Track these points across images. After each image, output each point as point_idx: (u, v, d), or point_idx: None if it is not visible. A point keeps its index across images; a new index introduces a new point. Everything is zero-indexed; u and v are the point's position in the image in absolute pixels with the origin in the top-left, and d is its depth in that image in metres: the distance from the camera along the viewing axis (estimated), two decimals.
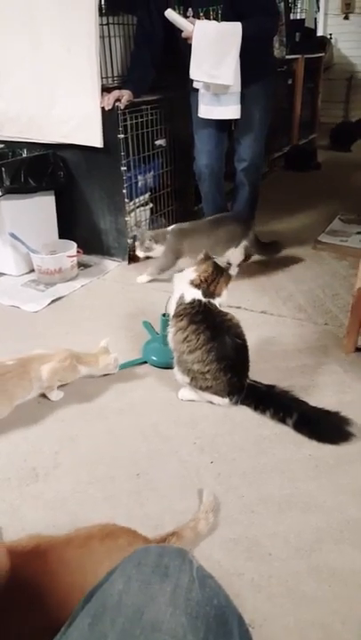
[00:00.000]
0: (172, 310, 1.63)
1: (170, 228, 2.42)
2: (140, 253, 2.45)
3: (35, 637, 0.63)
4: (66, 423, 1.59)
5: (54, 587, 0.80)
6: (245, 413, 1.60)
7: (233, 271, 2.39)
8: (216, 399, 1.60)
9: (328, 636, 1.00)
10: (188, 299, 1.57)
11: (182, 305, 1.58)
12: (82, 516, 1.26)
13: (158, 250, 2.39)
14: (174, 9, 2.17)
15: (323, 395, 1.66)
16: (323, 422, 1.51)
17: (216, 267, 1.63)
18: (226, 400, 1.59)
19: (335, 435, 1.47)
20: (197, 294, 1.57)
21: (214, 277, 1.60)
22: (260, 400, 1.58)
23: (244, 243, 2.41)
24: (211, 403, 1.62)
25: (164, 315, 1.75)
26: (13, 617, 0.74)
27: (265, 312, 2.19)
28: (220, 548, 1.17)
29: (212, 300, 1.58)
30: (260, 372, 1.67)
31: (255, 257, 2.62)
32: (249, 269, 2.62)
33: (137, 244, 2.46)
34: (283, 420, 1.52)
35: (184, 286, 1.60)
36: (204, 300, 1.57)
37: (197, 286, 1.58)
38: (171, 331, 1.60)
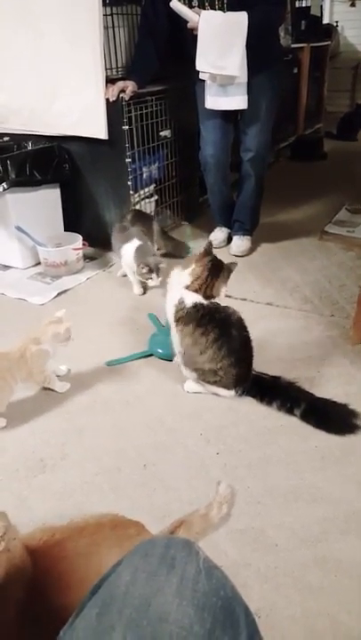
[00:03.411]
0: (170, 313, 1.57)
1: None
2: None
3: (60, 619, 0.65)
4: (72, 415, 1.60)
5: (73, 572, 0.83)
6: (250, 405, 1.60)
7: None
8: (222, 392, 1.61)
9: (334, 625, 1.00)
10: (189, 303, 1.52)
11: (184, 309, 1.52)
12: (89, 506, 1.27)
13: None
14: None
15: (329, 386, 1.65)
16: (330, 413, 1.51)
17: (212, 266, 1.53)
18: (232, 392, 1.60)
19: (342, 426, 1.47)
20: (198, 298, 1.52)
21: (209, 280, 1.52)
22: (267, 392, 1.58)
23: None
24: (216, 395, 1.63)
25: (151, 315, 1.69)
26: (39, 605, 0.77)
27: (271, 304, 2.18)
28: (227, 538, 1.18)
29: (213, 300, 1.55)
30: (265, 363, 1.67)
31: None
32: (254, 261, 2.61)
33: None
34: (290, 411, 1.53)
35: (181, 290, 1.54)
36: (206, 302, 1.52)
37: (195, 291, 1.53)
38: (176, 336, 1.57)
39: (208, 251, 1.56)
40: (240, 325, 1.56)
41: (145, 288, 2.33)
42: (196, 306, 1.52)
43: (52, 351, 1.61)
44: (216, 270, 1.54)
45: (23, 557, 0.80)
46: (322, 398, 1.55)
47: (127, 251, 2.24)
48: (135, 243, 2.22)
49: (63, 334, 1.59)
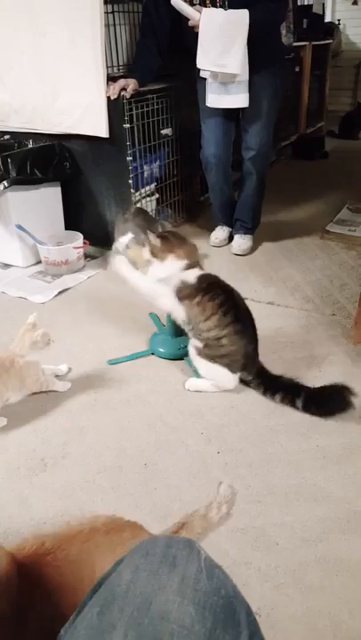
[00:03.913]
0: (163, 298, 1.58)
1: None
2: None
3: (49, 629, 0.64)
4: (73, 414, 1.59)
5: (64, 581, 0.81)
6: (252, 404, 1.60)
7: None
8: (227, 376, 1.60)
9: (335, 625, 1.00)
10: (192, 279, 1.55)
11: (189, 287, 1.54)
12: (90, 505, 1.27)
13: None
14: None
15: None
16: (329, 397, 1.52)
17: (167, 236, 1.57)
18: (237, 377, 1.59)
19: (339, 404, 1.49)
20: (196, 271, 1.56)
21: (179, 246, 1.55)
22: (270, 384, 1.59)
23: None
24: (217, 392, 1.63)
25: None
26: (31, 613, 0.76)
27: (272, 303, 2.18)
28: (228, 537, 1.18)
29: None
30: (267, 363, 1.67)
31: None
32: (255, 260, 2.61)
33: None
34: (292, 403, 1.53)
35: (179, 274, 1.55)
36: (205, 272, 1.58)
37: (189, 267, 1.55)
38: (181, 311, 1.57)
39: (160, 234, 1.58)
40: (242, 299, 1.61)
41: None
42: (199, 278, 1.56)
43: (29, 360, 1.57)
44: (172, 239, 1.57)
45: (8, 571, 0.78)
46: (321, 386, 1.55)
47: (120, 244, 2.23)
48: (129, 236, 2.22)
49: (41, 340, 1.55)
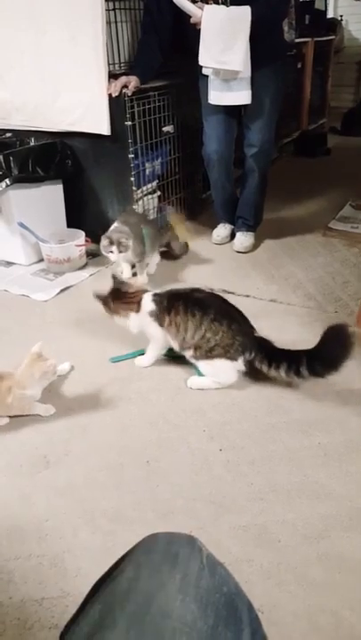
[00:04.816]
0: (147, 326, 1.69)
1: None
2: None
3: None
4: (75, 412, 1.60)
5: None
6: (254, 402, 1.60)
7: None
8: (228, 370, 1.61)
9: (337, 622, 1.00)
10: (148, 303, 1.66)
11: (152, 310, 1.66)
12: (92, 502, 1.28)
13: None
14: None
15: (332, 383, 1.65)
16: (330, 347, 1.52)
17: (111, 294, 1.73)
18: (240, 364, 1.59)
19: (341, 348, 1.49)
20: (148, 294, 1.68)
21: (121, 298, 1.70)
22: (272, 356, 1.57)
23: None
24: (219, 387, 1.63)
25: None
26: None
27: (274, 300, 2.18)
28: (230, 535, 1.18)
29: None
30: None
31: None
32: (257, 257, 2.60)
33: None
34: (298, 373, 1.52)
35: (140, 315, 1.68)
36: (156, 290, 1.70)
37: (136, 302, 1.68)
38: (166, 334, 1.66)
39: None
40: (201, 290, 1.68)
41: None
42: (153, 298, 1.66)
43: (39, 392, 1.55)
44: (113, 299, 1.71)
45: None
46: (318, 343, 1.54)
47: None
48: (113, 225, 2.24)
49: (51, 372, 1.53)
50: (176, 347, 1.66)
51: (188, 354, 1.64)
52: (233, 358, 1.59)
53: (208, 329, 1.57)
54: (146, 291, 1.71)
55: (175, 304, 1.62)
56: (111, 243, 2.13)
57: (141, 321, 1.68)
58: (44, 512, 1.26)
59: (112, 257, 2.18)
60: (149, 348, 1.76)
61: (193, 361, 1.66)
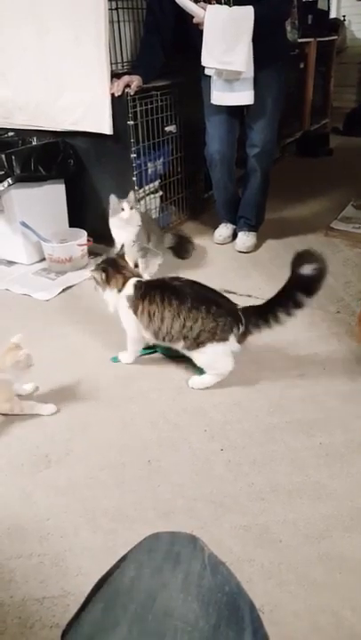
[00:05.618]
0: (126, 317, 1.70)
1: None
2: None
3: None
4: (77, 411, 1.60)
5: None
6: (255, 401, 1.60)
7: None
8: (223, 356, 1.60)
9: (338, 622, 1.00)
10: (129, 290, 1.66)
11: (130, 297, 1.65)
12: (93, 501, 1.28)
13: None
14: None
15: (334, 383, 1.65)
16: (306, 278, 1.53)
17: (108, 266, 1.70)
18: (232, 340, 1.57)
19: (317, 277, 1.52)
20: (131, 282, 1.67)
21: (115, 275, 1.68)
22: (262, 314, 1.56)
23: None
24: (221, 380, 1.63)
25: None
26: None
27: None
28: (231, 534, 1.18)
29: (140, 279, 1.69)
30: (270, 360, 1.67)
31: None
32: (259, 257, 2.60)
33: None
34: (297, 304, 1.52)
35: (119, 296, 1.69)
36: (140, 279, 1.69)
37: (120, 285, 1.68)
38: (139, 321, 1.66)
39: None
40: (175, 278, 1.67)
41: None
42: (135, 283, 1.66)
43: (14, 379, 1.54)
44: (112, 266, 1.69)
45: None
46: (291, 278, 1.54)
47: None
48: None
49: (24, 361, 1.51)
50: (148, 337, 1.67)
51: (177, 346, 1.64)
52: (223, 339, 1.57)
53: (187, 317, 1.56)
54: (138, 276, 1.71)
55: (152, 292, 1.62)
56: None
57: (119, 302, 1.68)
58: (45, 511, 1.26)
59: (124, 214, 2.11)
60: (127, 343, 1.77)
61: (186, 352, 1.65)
